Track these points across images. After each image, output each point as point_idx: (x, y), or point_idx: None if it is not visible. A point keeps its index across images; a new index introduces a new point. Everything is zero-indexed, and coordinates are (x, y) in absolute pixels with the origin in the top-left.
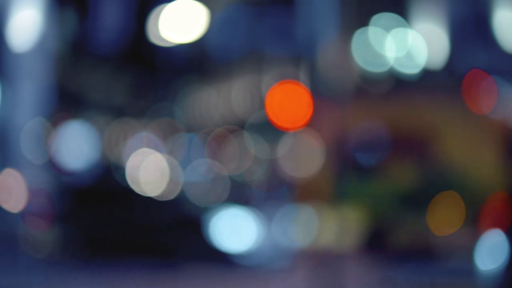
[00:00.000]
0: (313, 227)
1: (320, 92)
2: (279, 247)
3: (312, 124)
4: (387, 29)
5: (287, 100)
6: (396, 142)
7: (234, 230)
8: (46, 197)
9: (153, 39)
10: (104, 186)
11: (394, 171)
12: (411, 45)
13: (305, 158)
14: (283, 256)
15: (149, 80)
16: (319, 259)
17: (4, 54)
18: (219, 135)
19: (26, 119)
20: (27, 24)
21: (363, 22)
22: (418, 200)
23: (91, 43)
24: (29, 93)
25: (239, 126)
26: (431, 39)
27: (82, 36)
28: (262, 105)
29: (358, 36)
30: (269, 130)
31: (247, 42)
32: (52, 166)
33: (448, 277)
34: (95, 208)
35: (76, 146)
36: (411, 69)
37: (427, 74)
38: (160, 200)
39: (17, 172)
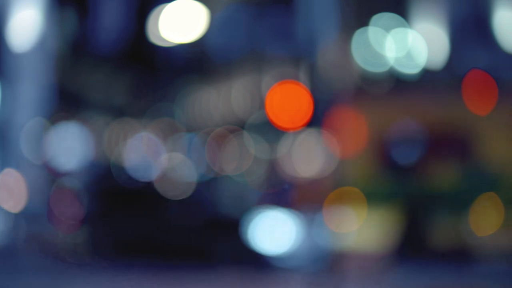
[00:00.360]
0: (351, 229)
1: (344, 93)
2: (317, 249)
3: (346, 124)
4: (387, 29)
5: (287, 100)
6: (435, 141)
7: (272, 231)
8: (75, 198)
9: (153, 39)
10: (133, 187)
11: (432, 171)
12: (411, 45)
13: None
14: (322, 258)
15: (149, 80)
16: (356, 262)
17: (4, 54)
18: (219, 135)
19: (26, 119)
20: (27, 24)
21: (363, 22)
22: (457, 200)
23: (91, 43)
24: (29, 93)
25: (239, 126)
26: (431, 39)
27: (82, 36)
28: (262, 105)
29: (358, 36)
30: (269, 130)
31: (247, 42)
32: (46, 167)
33: (487, 279)
34: (126, 209)
35: (71, 146)
36: (411, 69)
37: (427, 74)
38: (190, 200)
39: (17, 172)
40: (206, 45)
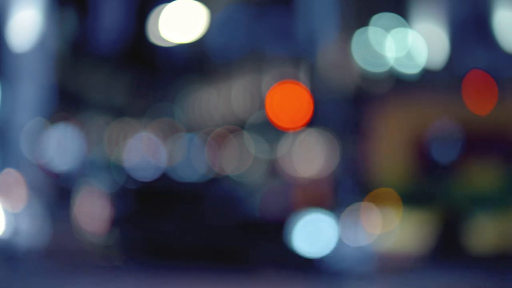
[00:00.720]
0: (391, 230)
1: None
2: (361, 251)
3: (382, 125)
4: (387, 29)
5: (287, 100)
6: (474, 141)
7: (314, 233)
8: (106, 199)
9: (153, 39)
10: (167, 187)
11: (471, 171)
12: (411, 45)
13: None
14: (364, 260)
15: (149, 80)
16: (397, 263)
17: (4, 54)
18: (219, 135)
19: (26, 119)
20: (27, 24)
21: (363, 22)
22: (498, 202)
23: (91, 43)
24: (29, 93)
25: (239, 126)
26: (431, 39)
27: (82, 36)
28: (262, 105)
29: (358, 36)
30: (269, 130)
31: (247, 42)
32: (40, 167)
33: None
34: (160, 210)
35: (65, 147)
36: (411, 69)
37: (427, 74)
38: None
39: (17, 172)
40: (206, 45)
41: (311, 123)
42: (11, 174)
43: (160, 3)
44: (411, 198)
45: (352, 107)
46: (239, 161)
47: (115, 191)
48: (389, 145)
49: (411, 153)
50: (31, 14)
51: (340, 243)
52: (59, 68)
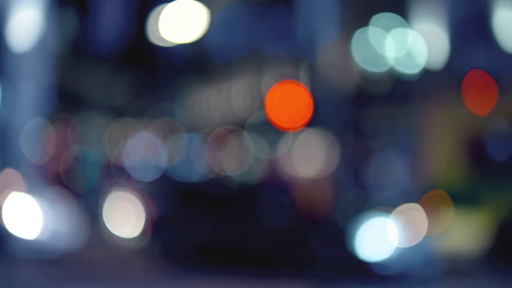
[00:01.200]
0: (447, 232)
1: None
2: (421, 254)
3: (435, 126)
4: (387, 29)
5: (287, 100)
6: None
7: (375, 237)
8: (151, 202)
9: (153, 39)
10: (216, 189)
11: None
12: (411, 45)
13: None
14: (426, 263)
15: (149, 80)
16: (456, 266)
17: (4, 54)
18: (219, 135)
19: (26, 119)
20: (27, 24)
21: (363, 22)
22: None
23: (91, 43)
24: (29, 93)
25: (239, 126)
26: (431, 39)
27: (82, 36)
28: (262, 105)
29: (358, 36)
30: (269, 130)
31: (247, 42)
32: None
33: None
34: (207, 212)
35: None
36: (411, 69)
37: (427, 74)
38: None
39: (17, 172)
40: (206, 45)
41: (311, 123)
42: (11, 174)
43: (160, 3)
44: (466, 199)
45: (352, 107)
46: (239, 161)
47: (156, 193)
48: (442, 144)
49: (464, 152)
50: (31, 14)
51: (401, 246)
52: (59, 68)
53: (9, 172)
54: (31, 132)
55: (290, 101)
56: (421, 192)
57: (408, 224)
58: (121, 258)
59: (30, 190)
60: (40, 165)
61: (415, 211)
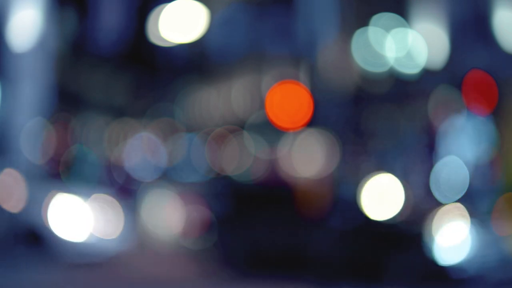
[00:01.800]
0: None
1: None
2: (498, 256)
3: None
4: (387, 29)
5: (287, 100)
6: None
7: (451, 241)
8: (202, 203)
9: (153, 39)
10: (273, 190)
11: None
12: (411, 45)
13: None
14: (503, 266)
15: (149, 80)
16: None
17: (4, 54)
18: (219, 135)
19: (26, 119)
20: (27, 24)
21: (363, 22)
22: None
23: (91, 43)
24: (29, 93)
25: (239, 126)
26: (431, 39)
27: (82, 36)
28: (262, 105)
29: (358, 36)
30: (269, 130)
31: (247, 42)
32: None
33: None
34: (264, 215)
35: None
36: (411, 69)
37: (427, 74)
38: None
39: (17, 172)
40: (206, 45)
41: (311, 123)
42: (11, 174)
43: (160, 3)
44: None
45: (352, 107)
46: (239, 161)
47: (211, 194)
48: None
49: None
50: (31, 14)
51: (476, 249)
52: (59, 68)
53: (9, 172)
54: (31, 132)
55: (290, 101)
56: (494, 196)
57: (479, 228)
58: (169, 262)
59: (77, 192)
60: (44, 164)
61: (485, 215)
